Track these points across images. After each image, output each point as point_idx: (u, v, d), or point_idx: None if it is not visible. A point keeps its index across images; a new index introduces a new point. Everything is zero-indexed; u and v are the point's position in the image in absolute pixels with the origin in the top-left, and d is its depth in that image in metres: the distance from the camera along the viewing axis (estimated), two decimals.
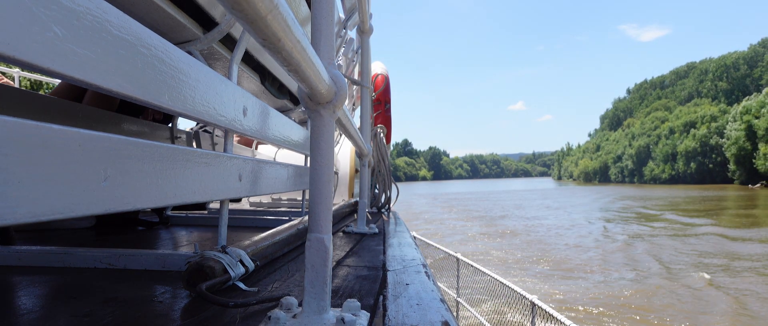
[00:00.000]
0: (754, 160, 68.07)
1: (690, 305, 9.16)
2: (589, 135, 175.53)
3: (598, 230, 20.20)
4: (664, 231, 19.72)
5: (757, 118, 67.35)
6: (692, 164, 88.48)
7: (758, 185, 65.87)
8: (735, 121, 73.93)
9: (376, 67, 4.68)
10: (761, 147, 65.47)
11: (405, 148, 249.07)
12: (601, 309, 9.01)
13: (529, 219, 25.19)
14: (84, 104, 1.87)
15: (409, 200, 44.42)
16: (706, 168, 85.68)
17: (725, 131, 78.54)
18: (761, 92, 71.19)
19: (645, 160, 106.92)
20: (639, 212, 28.68)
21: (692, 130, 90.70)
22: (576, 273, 12.26)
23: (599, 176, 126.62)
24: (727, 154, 75.65)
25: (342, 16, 2.90)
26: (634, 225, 21.84)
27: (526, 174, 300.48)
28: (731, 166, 75.47)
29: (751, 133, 69.14)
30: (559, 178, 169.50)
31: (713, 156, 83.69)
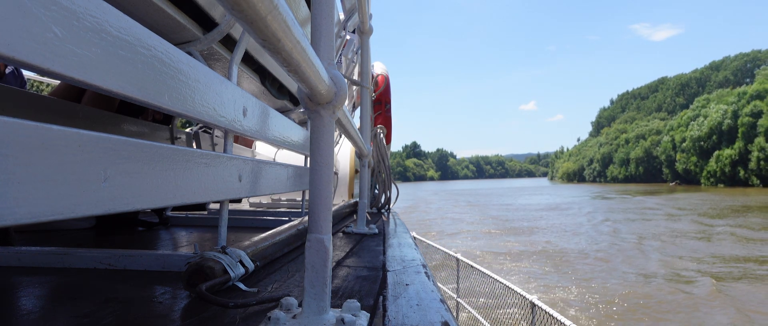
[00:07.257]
0: (675, 164, 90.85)
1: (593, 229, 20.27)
2: (578, 140, 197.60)
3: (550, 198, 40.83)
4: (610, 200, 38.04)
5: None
6: (640, 168, 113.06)
7: (673, 183, 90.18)
8: (667, 134, 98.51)
9: (377, 68, 4.67)
10: (678, 155, 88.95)
11: (413, 150, 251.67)
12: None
13: (500, 199, 44.11)
14: (83, 104, 1.88)
15: (418, 194, 62.67)
16: (650, 171, 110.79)
17: (661, 142, 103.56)
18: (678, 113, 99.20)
19: (608, 163, 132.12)
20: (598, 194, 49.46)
21: (640, 141, 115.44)
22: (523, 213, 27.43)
23: (577, 176, 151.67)
24: (661, 160, 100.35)
25: (342, 16, 2.90)
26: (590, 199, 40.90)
27: (530, 174, 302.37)
28: (664, 170, 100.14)
29: (674, 143, 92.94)
30: (552, 178, 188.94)
31: (654, 162, 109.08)
